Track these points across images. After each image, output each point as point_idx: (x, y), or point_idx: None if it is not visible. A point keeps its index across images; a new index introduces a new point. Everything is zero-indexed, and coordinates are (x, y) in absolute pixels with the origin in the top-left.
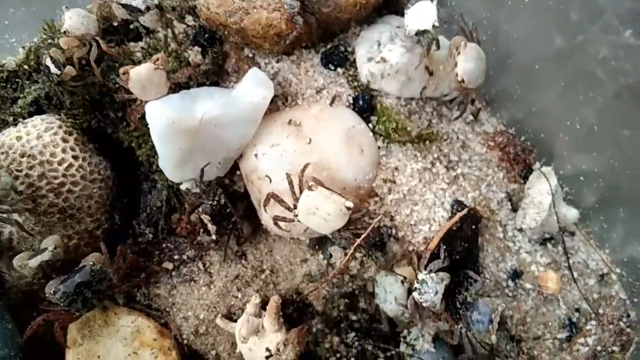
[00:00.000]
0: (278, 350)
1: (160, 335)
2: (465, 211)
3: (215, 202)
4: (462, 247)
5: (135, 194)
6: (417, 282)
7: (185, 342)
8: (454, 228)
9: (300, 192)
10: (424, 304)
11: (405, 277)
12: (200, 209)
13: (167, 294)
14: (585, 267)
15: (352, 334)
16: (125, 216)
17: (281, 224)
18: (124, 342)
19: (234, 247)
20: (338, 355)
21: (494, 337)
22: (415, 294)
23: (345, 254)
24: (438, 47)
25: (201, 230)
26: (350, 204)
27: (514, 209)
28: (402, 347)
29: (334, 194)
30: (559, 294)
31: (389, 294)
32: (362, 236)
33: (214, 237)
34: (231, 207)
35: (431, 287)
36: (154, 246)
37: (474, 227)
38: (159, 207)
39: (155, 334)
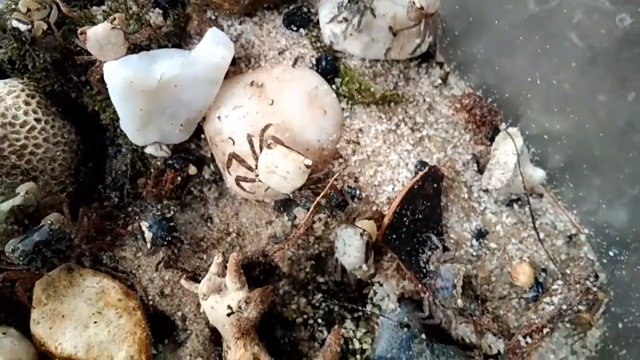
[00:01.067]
0: (240, 307)
1: (126, 296)
2: (426, 169)
3: (159, 213)
4: (424, 205)
5: (100, 159)
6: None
7: (150, 303)
8: (416, 187)
9: (261, 151)
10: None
11: (364, 230)
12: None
13: (132, 257)
14: (553, 228)
15: (319, 295)
16: (91, 180)
17: (244, 185)
18: (89, 302)
19: (200, 209)
20: (305, 316)
21: (459, 302)
22: None
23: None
24: (373, 15)
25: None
26: (309, 162)
27: (480, 171)
28: (369, 308)
29: (292, 152)
30: (527, 286)
31: (348, 247)
32: (322, 193)
33: (148, 245)
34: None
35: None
36: (119, 210)
37: (435, 185)
38: (124, 171)
39: (120, 294)
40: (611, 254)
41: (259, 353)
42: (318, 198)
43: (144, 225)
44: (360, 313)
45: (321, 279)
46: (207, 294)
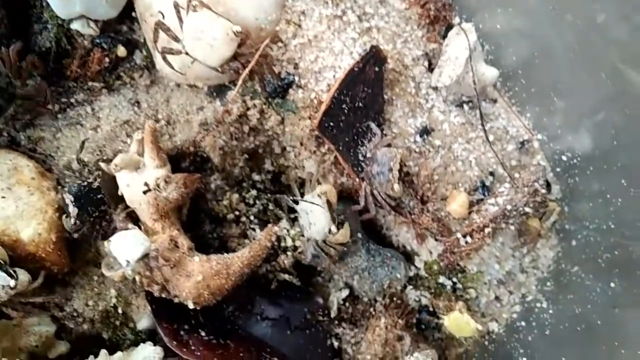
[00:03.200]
0: (158, 185)
1: (41, 176)
2: (367, 49)
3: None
4: (365, 92)
5: (26, 36)
6: None
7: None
8: (356, 69)
9: None
10: None
11: (322, 192)
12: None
13: (51, 137)
14: (505, 133)
15: (254, 192)
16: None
17: (172, 61)
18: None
19: (128, 94)
20: (237, 213)
21: (396, 186)
22: None
23: (244, 101)
24: None
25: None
26: (238, 28)
27: (431, 70)
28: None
29: (220, 17)
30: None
31: (312, 214)
32: (252, 63)
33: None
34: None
35: None
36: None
37: (377, 69)
38: (48, 48)
39: (34, 174)
40: (564, 158)
41: (178, 236)
42: (247, 69)
43: (68, 198)
44: (297, 213)
45: (257, 177)
46: (119, 165)
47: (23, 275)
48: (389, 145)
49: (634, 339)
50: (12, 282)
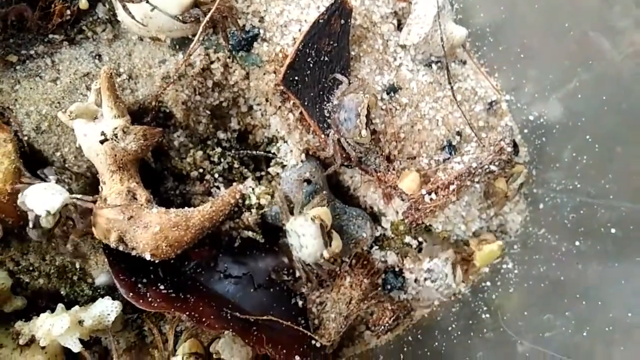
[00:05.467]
0: (115, 135)
1: None
2: (332, 1)
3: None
4: (330, 46)
5: None
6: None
7: (26, 139)
8: (321, 20)
9: None
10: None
11: (314, 215)
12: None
13: (9, 89)
14: (473, 94)
15: (219, 150)
16: None
17: (134, 10)
18: None
19: (90, 47)
20: (201, 170)
21: (364, 132)
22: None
23: (207, 54)
24: None
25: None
26: None
27: (399, 29)
28: (272, 167)
29: None
30: (413, 193)
31: (303, 237)
32: (212, 10)
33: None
34: None
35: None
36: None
37: (343, 22)
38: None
39: None
40: (532, 118)
41: (136, 188)
42: (208, 15)
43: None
44: (263, 173)
45: (222, 135)
46: (75, 112)
47: None
48: (355, 91)
49: (595, 290)
50: None
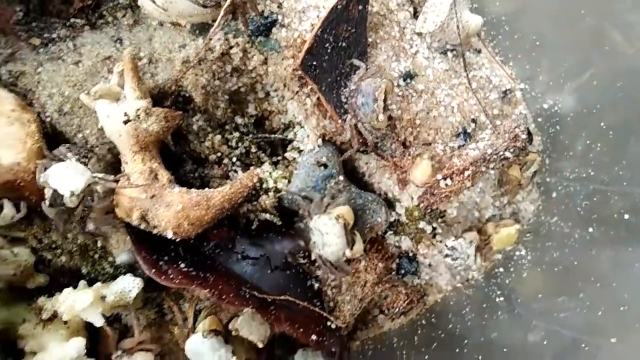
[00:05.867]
0: (138, 116)
1: (21, 109)
2: None
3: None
4: (348, 32)
5: None
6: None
7: (48, 120)
8: (339, 6)
9: None
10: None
11: (339, 214)
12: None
13: (32, 71)
14: (488, 82)
15: (236, 135)
16: None
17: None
18: None
19: (110, 32)
20: (219, 154)
21: (381, 117)
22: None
23: (226, 39)
24: None
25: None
26: None
27: (416, 17)
28: (289, 152)
29: None
30: (422, 186)
31: (326, 235)
32: None
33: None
34: None
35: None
36: (23, 25)
37: (361, 7)
38: None
39: (14, 106)
40: (545, 107)
41: (158, 169)
42: (228, 1)
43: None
44: (280, 158)
45: (240, 120)
46: (98, 92)
47: (8, 210)
48: (373, 76)
49: (609, 273)
50: None
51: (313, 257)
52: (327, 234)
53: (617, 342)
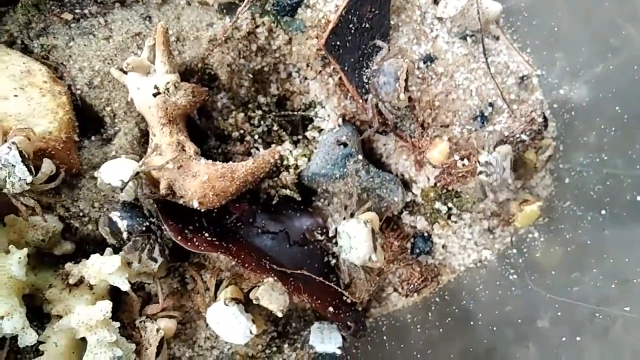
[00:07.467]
0: (167, 90)
1: (53, 81)
2: None
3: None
4: (372, 13)
5: None
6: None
7: (79, 93)
8: None
9: None
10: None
11: (368, 219)
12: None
13: (64, 45)
14: (506, 68)
15: (259, 113)
16: None
17: None
18: (12, 78)
19: (140, 9)
20: (242, 131)
21: (402, 96)
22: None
23: (253, 18)
24: None
25: None
26: None
27: (436, 2)
28: (309, 131)
29: None
30: (440, 166)
31: (354, 239)
32: None
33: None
34: None
35: (497, 166)
36: (56, 0)
37: None
38: None
39: (47, 78)
40: (562, 92)
41: (185, 141)
42: None
43: (115, 215)
44: (300, 137)
45: (262, 99)
46: (131, 64)
47: (46, 167)
48: (395, 56)
49: (622, 250)
50: (29, 178)
51: (330, 235)
52: (354, 238)
53: (630, 312)
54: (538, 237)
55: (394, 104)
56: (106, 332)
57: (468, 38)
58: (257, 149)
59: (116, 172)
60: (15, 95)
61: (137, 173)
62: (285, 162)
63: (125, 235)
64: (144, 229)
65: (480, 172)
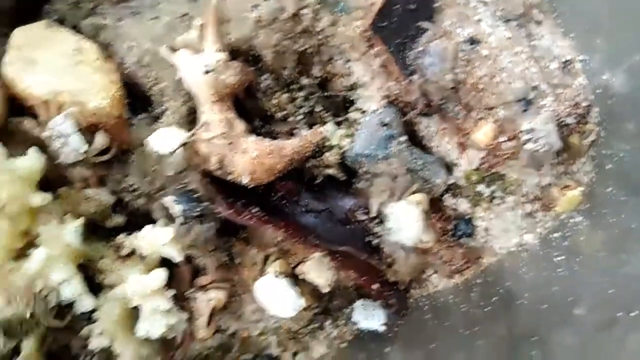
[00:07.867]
0: (217, 68)
1: (103, 59)
2: None
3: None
4: None
5: None
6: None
7: (127, 71)
8: None
9: None
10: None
11: (419, 200)
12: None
13: (113, 25)
14: (549, 52)
15: (302, 94)
16: None
17: None
18: (64, 55)
19: None
20: (285, 112)
21: (449, 76)
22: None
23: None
24: None
25: None
26: None
27: None
28: (352, 112)
29: None
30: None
31: (404, 220)
32: None
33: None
34: None
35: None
36: None
37: None
38: None
39: (97, 55)
40: (605, 78)
41: (234, 118)
42: None
43: (169, 199)
44: (343, 118)
45: (305, 81)
46: (180, 43)
47: (100, 138)
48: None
49: None
50: (83, 148)
51: (372, 215)
52: (405, 219)
53: None
54: (581, 221)
55: (439, 84)
56: (161, 300)
57: (511, 22)
58: (300, 129)
59: (166, 140)
60: (68, 72)
61: (186, 143)
62: (328, 143)
63: (181, 220)
64: (198, 213)
65: (526, 142)
